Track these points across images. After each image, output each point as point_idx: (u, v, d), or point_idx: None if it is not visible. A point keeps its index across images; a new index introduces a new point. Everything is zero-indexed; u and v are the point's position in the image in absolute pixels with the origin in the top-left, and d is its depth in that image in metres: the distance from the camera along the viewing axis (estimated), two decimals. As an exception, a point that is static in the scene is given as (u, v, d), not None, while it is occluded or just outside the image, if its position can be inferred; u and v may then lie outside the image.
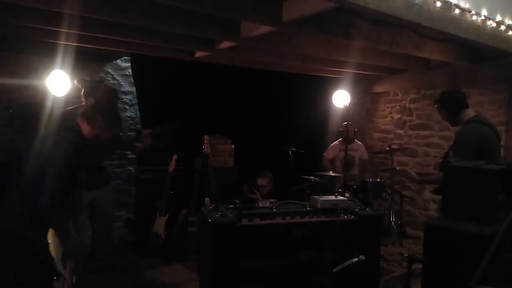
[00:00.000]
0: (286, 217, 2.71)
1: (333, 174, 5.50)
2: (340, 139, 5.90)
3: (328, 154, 6.08)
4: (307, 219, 2.70)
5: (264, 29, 3.39)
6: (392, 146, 5.88)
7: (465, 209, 2.23)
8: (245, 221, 2.58)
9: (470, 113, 3.36)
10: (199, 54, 4.72)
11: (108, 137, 2.64)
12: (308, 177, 5.57)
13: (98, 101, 2.86)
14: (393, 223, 5.38)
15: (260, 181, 4.90)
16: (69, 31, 3.64)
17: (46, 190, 2.22)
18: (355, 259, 2.26)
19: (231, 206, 2.73)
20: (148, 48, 4.52)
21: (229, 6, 2.87)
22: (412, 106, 5.96)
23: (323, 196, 2.90)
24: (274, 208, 2.80)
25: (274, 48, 4.16)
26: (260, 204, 2.77)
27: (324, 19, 3.20)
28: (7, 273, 2.15)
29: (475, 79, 4.83)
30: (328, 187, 5.75)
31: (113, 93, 3.83)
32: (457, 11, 3.21)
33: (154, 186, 4.71)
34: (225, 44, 4.07)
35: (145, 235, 4.61)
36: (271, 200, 2.82)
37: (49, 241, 2.22)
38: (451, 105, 3.41)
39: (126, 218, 5.45)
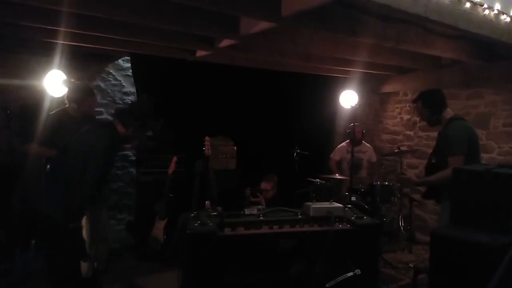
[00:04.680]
0: (274, 226, 2.47)
1: (339, 177, 5.32)
2: (348, 140, 5.71)
3: (335, 156, 5.91)
4: (297, 229, 2.46)
5: (263, 25, 3.24)
6: (402, 148, 5.69)
7: (475, 217, 2.05)
8: (227, 231, 2.36)
9: (450, 112, 3.32)
10: (200, 53, 4.59)
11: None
12: (314, 180, 5.41)
13: (133, 107, 2.93)
14: (402, 228, 5.18)
15: (264, 185, 4.73)
16: (66, 29, 3.57)
17: (87, 181, 2.40)
18: (350, 274, 2.04)
19: (214, 213, 2.53)
20: (147, 47, 4.41)
21: (226, 1, 2.75)
22: (422, 106, 5.74)
23: (316, 203, 2.68)
24: (262, 216, 2.57)
25: (276, 46, 4.02)
26: (247, 212, 2.54)
27: (327, 15, 3.05)
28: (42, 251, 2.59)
29: (488, 77, 4.60)
30: (334, 190, 5.58)
31: (147, 104, 3.75)
32: (468, 4, 3.02)
33: (154, 189, 4.59)
34: (225, 42, 3.93)
35: (145, 239, 4.50)
36: (260, 206, 2.63)
37: (83, 225, 2.45)
38: (434, 103, 3.33)
39: (127, 221, 5.35)
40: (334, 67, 5.31)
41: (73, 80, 3.76)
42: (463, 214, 2.09)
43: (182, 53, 4.65)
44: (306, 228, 2.49)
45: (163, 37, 3.90)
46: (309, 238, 2.44)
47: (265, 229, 2.45)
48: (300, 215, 2.67)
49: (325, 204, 2.63)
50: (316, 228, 2.48)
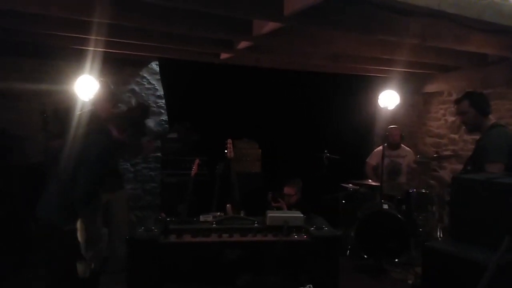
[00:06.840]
0: (223, 235, 2.34)
1: (373, 183, 5.04)
2: (385, 144, 5.39)
3: (371, 160, 5.62)
4: (248, 238, 2.30)
5: (272, 25, 3.15)
6: (445, 153, 5.26)
7: (474, 231, 1.80)
8: (172, 238, 2.27)
9: (492, 119, 3.07)
10: (223, 56, 4.60)
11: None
12: (347, 186, 5.18)
13: (130, 113, 3.02)
14: (440, 239, 4.75)
15: (287, 190, 4.58)
16: (97, 37, 3.71)
17: (79, 184, 2.46)
18: None
19: (163, 219, 2.44)
20: (173, 52, 4.50)
21: (228, 3, 2.70)
22: (468, 107, 5.26)
23: (275, 212, 2.53)
24: (215, 224, 2.47)
25: (294, 46, 3.90)
26: (202, 218, 2.47)
27: (333, 12, 2.88)
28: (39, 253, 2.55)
29: (539, 75, 4.11)
30: (368, 196, 5.29)
31: (145, 110, 3.84)
32: (496, -6, 2.70)
33: (178, 190, 4.66)
34: (243, 44, 3.89)
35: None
36: (217, 213, 2.53)
37: (77, 228, 2.49)
38: (482, 104, 3.04)
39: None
40: (369, 66, 5.04)
41: (112, 86, 3.90)
42: (461, 227, 1.85)
43: (208, 56, 4.68)
44: (258, 237, 2.34)
45: (186, 42, 3.95)
46: (260, 248, 2.29)
47: (213, 238, 2.34)
48: (256, 223, 2.53)
49: (284, 213, 2.47)
50: (269, 238, 2.33)
